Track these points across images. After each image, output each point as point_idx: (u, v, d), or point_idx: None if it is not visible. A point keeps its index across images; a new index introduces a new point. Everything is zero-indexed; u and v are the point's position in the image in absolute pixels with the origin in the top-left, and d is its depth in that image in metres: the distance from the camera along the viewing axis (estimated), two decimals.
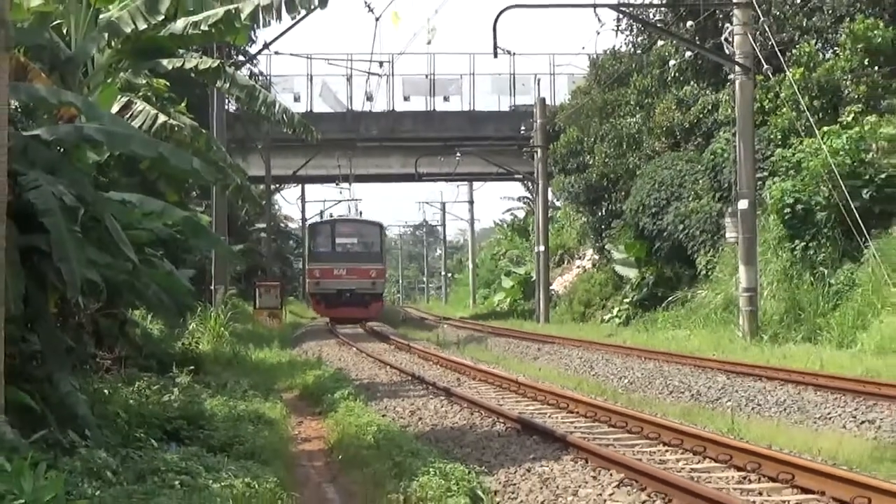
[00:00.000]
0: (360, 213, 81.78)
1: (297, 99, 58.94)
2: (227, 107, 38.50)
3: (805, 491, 11.09)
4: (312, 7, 18.33)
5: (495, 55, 31.73)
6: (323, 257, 65.44)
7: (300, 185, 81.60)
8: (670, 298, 41.34)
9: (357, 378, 23.70)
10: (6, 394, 9.61)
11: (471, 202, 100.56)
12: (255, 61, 50.69)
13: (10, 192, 10.00)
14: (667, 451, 13.64)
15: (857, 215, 26.81)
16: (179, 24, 16.25)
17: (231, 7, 17.27)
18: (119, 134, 13.33)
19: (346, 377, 23.23)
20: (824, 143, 29.77)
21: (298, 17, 20.14)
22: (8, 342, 9.77)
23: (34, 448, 8.63)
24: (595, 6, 40.56)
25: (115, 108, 16.26)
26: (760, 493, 11.13)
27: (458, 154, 58.35)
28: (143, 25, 15.61)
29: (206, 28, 16.37)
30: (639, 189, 43.58)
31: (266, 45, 44.65)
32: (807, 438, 14.22)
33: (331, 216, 78.40)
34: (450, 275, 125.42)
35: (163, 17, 15.80)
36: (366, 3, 38.26)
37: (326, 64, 76.07)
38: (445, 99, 61.06)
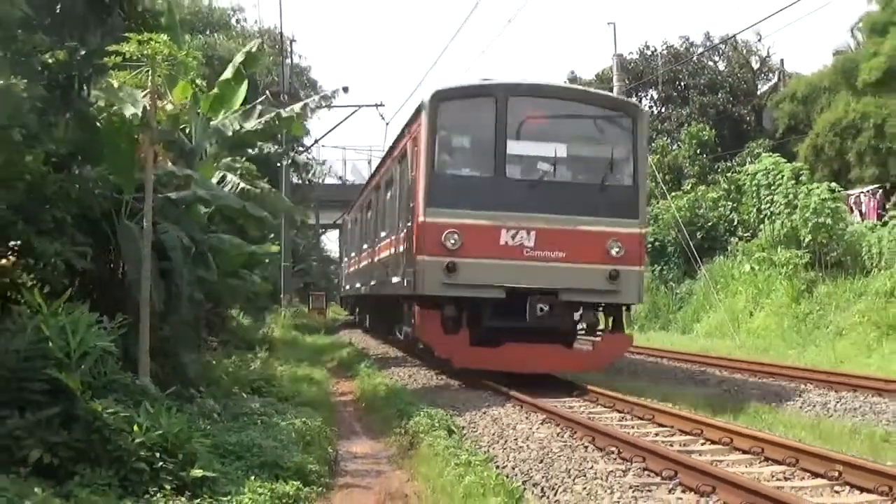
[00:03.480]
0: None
1: (336, 175, 58.93)
2: (291, 178, 38.55)
3: (661, 426, 11.15)
4: (331, 103, 19.07)
5: None
6: (467, 196, 14.23)
7: (338, 230, 72.61)
8: None
9: (374, 354, 23.59)
10: (151, 364, 9.60)
11: None
12: (309, 151, 50.83)
13: (154, 234, 10.02)
14: (573, 401, 13.64)
15: (693, 249, 27.07)
16: (252, 122, 16.29)
17: (288, 108, 17.63)
18: (218, 195, 13.43)
19: (367, 354, 23.15)
20: (672, 203, 30.06)
21: (336, 125, 20.48)
22: (152, 331, 9.77)
23: (168, 399, 8.60)
24: None
25: (214, 180, 16.24)
26: (633, 427, 11.17)
27: None
28: (237, 128, 15.69)
29: (275, 122, 16.49)
30: None
31: (316, 141, 45.51)
32: (664, 392, 14.24)
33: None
34: None
35: (248, 121, 15.92)
36: (380, 115, 39.93)
37: (355, 152, 76.94)
38: None
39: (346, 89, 20.68)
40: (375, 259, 21.76)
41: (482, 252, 13.96)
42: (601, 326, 15.29)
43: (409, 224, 15.23)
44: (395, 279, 17.09)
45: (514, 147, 14.61)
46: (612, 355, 15.58)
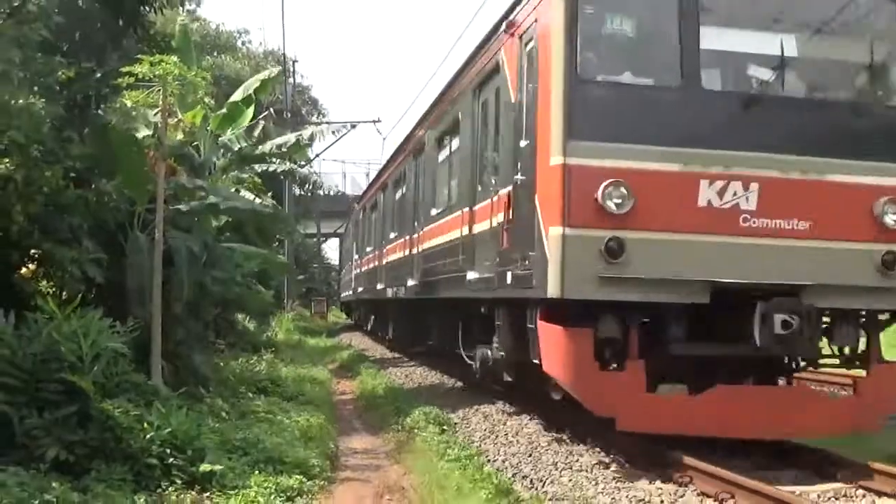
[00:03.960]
0: None
1: (333, 189, 58.65)
2: (294, 192, 38.50)
3: None
4: (346, 132, 19.04)
5: None
6: (635, 120, 7.90)
7: (338, 239, 69.14)
8: None
9: (373, 356, 23.55)
10: (162, 365, 9.57)
11: None
12: (311, 165, 50.67)
13: (164, 243, 10.01)
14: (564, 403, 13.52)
15: None
16: (267, 146, 16.47)
17: (298, 134, 17.69)
18: (229, 199, 13.36)
19: (366, 355, 23.12)
20: None
21: (336, 138, 20.75)
22: (165, 334, 9.75)
23: (179, 398, 8.58)
24: None
25: None
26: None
27: None
28: (244, 144, 15.76)
29: (284, 149, 16.65)
30: None
31: (317, 155, 45.49)
32: None
33: None
34: None
35: (255, 140, 16.00)
36: (378, 130, 40.29)
37: (354, 166, 77.23)
38: None
39: (353, 126, 20.97)
40: (416, 249, 15.44)
41: (668, 220, 7.87)
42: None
43: (523, 177, 8.95)
44: (474, 275, 11.09)
45: (713, 38, 8.30)
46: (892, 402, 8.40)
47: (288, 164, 20.24)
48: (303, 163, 44.79)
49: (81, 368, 6.89)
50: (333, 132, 19.51)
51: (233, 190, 16.59)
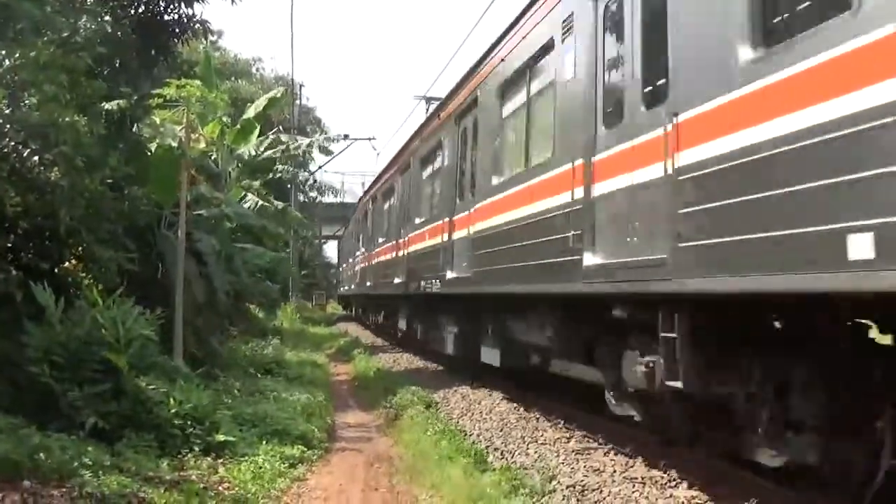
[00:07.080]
0: None
1: (336, 195, 58.46)
2: (298, 198, 38.50)
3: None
4: (346, 146, 19.29)
5: None
6: None
7: (337, 241, 69.23)
8: None
9: (366, 343, 23.64)
10: (184, 349, 9.67)
11: None
12: (314, 175, 50.53)
13: (187, 242, 10.11)
14: (531, 387, 13.68)
15: None
16: (269, 151, 16.61)
17: (294, 138, 18.01)
18: (242, 213, 13.51)
19: (360, 342, 23.20)
20: None
21: (336, 153, 20.87)
22: (189, 320, 9.83)
23: (198, 377, 8.68)
24: None
25: (238, 199, 16.38)
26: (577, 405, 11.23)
27: None
28: (253, 153, 15.87)
29: (283, 153, 16.84)
30: None
31: (320, 167, 45.26)
32: None
33: None
34: None
35: (264, 150, 16.14)
36: (373, 147, 39.84)
37: (351, 176, 77.11)
38: None
39: (346, 136, 21.38)
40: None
41: None
42: None
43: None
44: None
45: None
46: None
47: (291, 170, 20.40)
48: (307, 173, 44.96)
49: (118, 350, 7.00)
50: (331, 139, 19.89)
51: (242, 195, 16.75)
